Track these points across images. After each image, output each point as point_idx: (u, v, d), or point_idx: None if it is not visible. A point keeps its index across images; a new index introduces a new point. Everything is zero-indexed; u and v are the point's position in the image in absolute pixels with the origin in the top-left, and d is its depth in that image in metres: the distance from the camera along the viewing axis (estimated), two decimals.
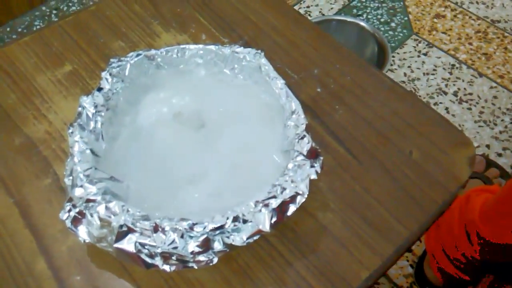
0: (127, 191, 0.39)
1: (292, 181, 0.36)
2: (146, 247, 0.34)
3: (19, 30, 1.41)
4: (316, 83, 0.53)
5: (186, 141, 0.45)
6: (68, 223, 0.36)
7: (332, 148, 0.48)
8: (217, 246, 0.34)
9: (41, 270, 0.40)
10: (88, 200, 0.35)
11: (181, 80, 0.48)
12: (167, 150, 0.44)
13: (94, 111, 0.40)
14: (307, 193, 0.36)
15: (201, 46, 0.46)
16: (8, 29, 1.42)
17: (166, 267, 0.34)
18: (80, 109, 0.40)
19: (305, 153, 0.38)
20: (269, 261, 0.40)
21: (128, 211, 0.35)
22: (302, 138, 0.39)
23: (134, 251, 0.34)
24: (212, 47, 0.46)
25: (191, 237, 0.34)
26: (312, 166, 0.37)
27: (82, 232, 0.36)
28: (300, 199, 0.36)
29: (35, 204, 0.44)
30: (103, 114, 0.41)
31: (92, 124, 0.40)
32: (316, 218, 0.43)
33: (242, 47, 0.46)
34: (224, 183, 0.41)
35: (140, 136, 0.46)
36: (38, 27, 1.41)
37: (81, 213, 0.36)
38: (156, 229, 0.34)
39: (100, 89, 0.42)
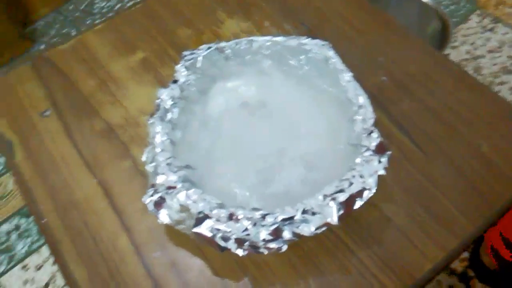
0: (201, 179, 0.42)
1: (360, 176, 0.37)
2: (221, 232, 0.37)
3: (81, 8, 1.47)
4: (381, 71, 0.53)
5: (253, 131, 0.47)
6: (150, 207, 0.39)
7: (397, 138, 0.48)
8: (287, 235, 0.37)
9: (123, 245, 0.44)
10: (169, 187, 0.38)
11: (248, 70, 0.50)
12: (235, 139, 0.46)
13: (171, 103, 0.43)
14: (375, 189, 0.37)
15: (268, 37, 0.47)
16: (71, 7, 1.49)
17: (239, 251, 0.37)
18: (158, 101, 0.43)
19: (373, 148, 0.39)
20: (333, 249, 0.42)
21: (205, 199, 0.37)
22: (370, 133, 0.39)
23: (210, 235, 0.37)
24: (279, 38, 0.47)
25: (262, 225, 0.36)
26: (379, 162, 0.38)
27: (163, 215, 0.39)
28: (367, 194, 0.37)
29: (116, 185, 0.48)
30: (178, 105, 0.44)
31: (169, 115, 0.43)
32: (380, 209, 0.44)
33: (309, 38, 0.46)
34: (292, 174, 0.43)
35: (209, 124, 0.48)
36: (98, 5, 1.47)
37: (162, 198, 0.39)
38: (231, 217, 0.36)
39: (175, 82, 0.44)
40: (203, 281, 0.42)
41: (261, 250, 0.37)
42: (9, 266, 0.88)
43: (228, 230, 0.36)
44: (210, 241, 0.37)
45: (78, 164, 0.49)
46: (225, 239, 0.37)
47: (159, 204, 0.39)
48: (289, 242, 0.36)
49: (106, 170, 0.49)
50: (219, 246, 0.37)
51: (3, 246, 0.91)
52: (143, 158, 0.44)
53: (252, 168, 0.44)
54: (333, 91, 0.44)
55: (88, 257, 0.44)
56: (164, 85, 0.47)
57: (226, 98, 0.50)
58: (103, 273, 0.43)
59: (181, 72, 0.45)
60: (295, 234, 0.37)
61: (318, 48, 0.45)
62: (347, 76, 0.43)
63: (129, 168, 0.49)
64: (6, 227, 0.93)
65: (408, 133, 0.49)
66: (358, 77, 0.48)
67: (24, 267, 0.88)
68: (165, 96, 0.43)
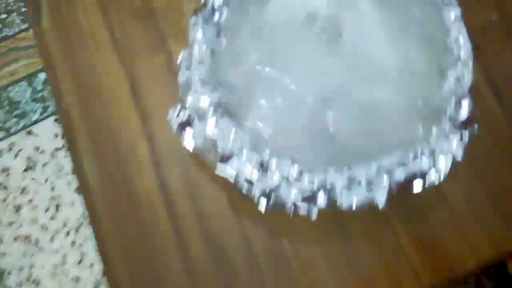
0: (239, 104, 0.35)
1: (431, 152, 0.30)
2: (247, 180, 0.32)
3: None
4: (493, 5, 0.41)
5: (312, 54, 0.38)
6: (174, 126, 0.34)
7: (484, 101, 0.39)
8: (321, 203, 0.31)
9: (142, 152, 0.40)
10: (198, 111, 0.32)
11: None
12: (288, 61, 0.38)
13: (221, 1, 0.34)
14: (445, 174, 0.30)
15: None
16: None
17: (262, 205, 0.32)
18: None
19: (459, 121, 0.30)
20: (368, 218, 0.36)
21: (237, 133, 0.31)
22: (461, 100, 0.30)
23: (233, 180, 0.32)
24: None
25: (296, 184, 0.31)
26: (461, 139, 0.30)
27: (188, 140, 0.34)
28: (433, 179, 0.30)
29: (144, 81, 0.42)
30: (230, 5, 0.35)
31: (217, 15, 0.34)
32: (438, 184, 0.37)
33: None
34: (347, 123, 0.35)
35: (263, 33, 0.40)
36: None
37: (189, 120, 0.33)
38: (261, 164, 0.31)
39: None
40: (217, 213, 0.38)
41: (288, 210, 0.32)
42: (42, 116, 0.88)
43: (255, 178, 0.31)
44: (232, 184, 0.32)
45: (108, 47, 0.43)
46: (250, 185, 0.32)
47: (184, 125, 0.34)
48: (322, 210, 0.31)
49: (136, 61, 0.43)
50: (240, 190, 0.32)
51: (39, 95, 0.90)
52: (178, 61, 0.37)
53: (300, 103, 0.36)
54: (430, 27, 0.34)
55: (103, 157, 0.40)
56: None
57: (290, 2, 0.40)
58: (116, 179, 0.40)
59: None
60: (331, 206, 0.31)
61: None
62: (454, 12, 0.32)
63: (162, 65, 0.42)
64: (43, 76, 0.91)
65: (501, 97, 0.39)
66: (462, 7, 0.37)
67: (56, 120, 0.88)
68: None
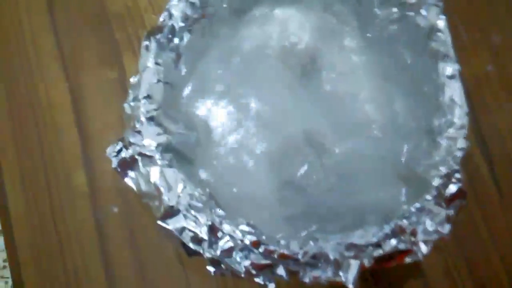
0: (195, 147, 0.30)
1: (411, 234, 0.25)
2: (193, 236, 0.26)
3: None
4: (488, 56, 0.38)
5: (285, 92, 0.33)
6: (114, 163, 0.28)
7: (473, 162, 0.35)
8: (280, 272, 0.26)
9: (78, 184, 0.34)
10: (142, 154, 0.26)
11: (308, 2, 0.34)
12: (259, 99, 0.33)
13: (183, 24, 0.28)
14: (426, 254, 0.25)
15: None
16: None
17: (211, 269, 0.27)
18: (164, 16, 0.28)
19: (447, 196, 0.26)
20: None
21: (185, 187, 0.26)
22: (452, 173, 0.26)
23: (178, 235, 0.26)
24: None
25: (251, 251, 0.26)
26: (447, 221, 0.26)
27: (129, 180, 0.28)
28: (411, 259, 0.25)
29: (90, 98, 0.36)
30: (195, 27, 0.30)
31: (176, 40, 0.29)
32: None
33: None
34: (322, 175, 0.31)
35: (233, 60, 0.34)
36: None
37: (132, 160, 0.28)
38: (212, 229, 0.25)
39: None
40: (161, 267, 0.33)
41: (242, 276, 0.27)
42: None
43: (203, 243, 0.26)
44: (176, 240, 0.27)
45: (50, 55, 0.37)
46: (198, 241, 0.27)
47: (125, 164, 0.28)
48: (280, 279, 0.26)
49: (83, 74, 0.37)
50: (187, 248, 0.27)
51: None
52: (131, 80, 0.31)
53: (265, 150, 0.31)
54: (421, 80, 0.30)
55: (32, 184, 0.34)
56: None
57: (266, 29, 0.35)
58: (44, 212, 0.34)
59: None
60: (291, 277, 0.26)
61: (425, 8, 0.29)
62: (452, 67, 0.28)
63: (113, 82, 0.36)
64: None
65: (491, 160, 0.35)
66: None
67: None
68: (177, 12, 0.28)
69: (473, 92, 0.36)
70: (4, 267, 0.76)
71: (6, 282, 0.75)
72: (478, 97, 0.36)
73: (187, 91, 0.32)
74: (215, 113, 0.33)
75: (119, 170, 0.28)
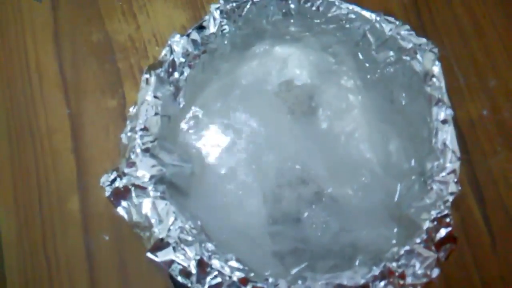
0: (190, 179, 0.30)
1: (400, 277, 0.25)
2: (182, 269, 0.26)
3: None
4: (485, 100, 0.38)
5: (283, 130, 0.34)
6: (107, 192, 0.28)
7: (466, 204, 0.35)
8: None
9: (71, 210, 0.34)
10: (135, 185, 0.27)
11: (310, 40, 0.35)
12: (256, 133, 0.33)
13: (183, 60, 0.29)
14: None
15: (357, 8, 0.32)
16: None
17: None
18: (166, 51, 0.29)
19: (436, 240, 0.26)
20: None
21: (176, 220, 0.26)
22: (442, 217, 0.26)
23: (167, 268, 0.26)
24: (372, 15, 0.32)
25: None
26: (437, 265, 0.26)
27: (121, 209, 0.28)
28: None
29: (90, 126, 0.37)
30: (195, 62, 0.31)
31: (176, 74, 0.30)
32: None
33: (413, 33, 0.31)
34: (317, 212, 0.31)
35: (231, 94, 0.35)
36: None
37: (125, 190, 0.28)
38: (200, 263, 0.25)
39: (201, 29, 0.30)
40: None
41: None
42: None
43: (191, 277, 0.25)
44: (165, 272, 0.27)
45: (53, 81, 0.38)
46: (187, 274, 0.27)
47: (119, 193, 0.28)
48: None
49: (84, 102, 0.37)
50: (175, 282, 0.27)
51: None
52: (130, 111, 0.31)
53: (261, 185, 0.32)
54: (416, 123, 0.30)
55: (25, 207, 0.34)
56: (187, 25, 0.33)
57: (266, 66, 0.36)
58: (35, 237, 0.33)
59: (215, 16, 0.30)
60: None
61: (420, 53, 0.30)
62: (445, 112, 0.28)
63: (113, 111, 0.37)
64: None
65: (484, 203, 0.35)
66: (452, 100, 0.33)
67: None
68: (178, 48, 0.29)
69: (468, 135, 0.37)
70: None
71: None
72: (473, 140, 0.37)
73: (185, 123, 0.33)
74: (211, 145, 0.33)
75: (112, 199, 0.28)
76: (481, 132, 0.37)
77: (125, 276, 0.33)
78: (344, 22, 0.33)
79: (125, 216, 0.28)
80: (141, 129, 0.27)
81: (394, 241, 0.29)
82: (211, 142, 0.34)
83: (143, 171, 0.27)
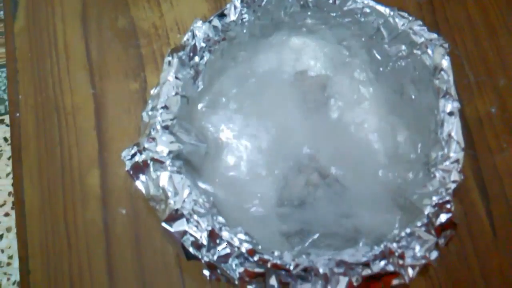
0: (204, 159, 0.31)
1: (399, 257, 0.26)
2: (194, 241, 0.28)
3: None
4: (494, 98, 0.39)
5: (298, 117, 0.35)
6: (128, 166, 0.30)
7: (470, 198, 0.36)
8: (272, 282, 0.27)
9: (92, 184, 0.36)
10: (154, 159, 0.28)
11: (325, 32, 0.37)
12: (269, 119, 0.35)
13: (204, 45, 0.31)
14: (412, 278, 0.27)
15: (371, 2, 0.33)
16: None
17: (206, 273, 0.28)
18: (188, 36, 0.31)
19: (435, 226, 0.27)
20: None
21: (190, 193, 0.28)
22: (443, 203, 0.27)
23: (180, 238, 0.28)
24: (386, 9, 0.33)
25: (245, 259, 0.27)
26: (436, 248, 0.27)
27: (139, 183, 0.30)
28: (398, 281, 0.27)
29: (112, 106, 0.39)
30: (215, 48, 0.32)
31: (197, 58, 0.31)
32: None
33: (425, 27, 0.32)
34: (323, 196, 0.33)
35: (248, 81, 0.37)
36: None
37: (144, 164, 0.30)
38: (211, 234, 0.27)
39: (222, 16, 0.32)
40: (160, 269, 0.34)
41: (235, 283, 0.28)
42: None
43: (202, 246, 0.27)
44: (177, 243, 0.28)
45: (80, 62, 0.40)
46: (198, 246, 0.28)
47: (138, 168, 0.30)
48: None
49: (108, 83, 0.39)
50: (186, 252, 0.28)
51: None
52: (151, 91, 0.33)
53: (271, 169, 0.33)
54: (423, 114, 0.32)
55: (49, 180, 0.36)
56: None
57: (282, 55, 0.37)
58: (56, 209, 0.36)
59: (236, 4, 0.32)
60: (282, 287, 0.27)
61: (431, 48, 0.31)
62: (452, 105, 0.30)
63: (135, 93, 0.39)
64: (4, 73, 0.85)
65: (488, 199, 0.36)
66: (462, 96, 0.35)
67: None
68: (200, 33, 0.31)
69: (475, 132, 0.38)
70: (9, 264, 0.78)
71: (8, 279, 0.77)
72: (479, 137, 0.38)
73: (202, 105, 0.34)
74: (225, 128, 0.35)
75: (131, 173, 0.30)
76: (488, 129, 0.38)
77: (138, 249, 0.34)
78: (359, 16, 0.34)
79: (143, 190, 0.30)
80: (162, 107, 0.29)
81: (397, 226, 0.30)
82: (226, 125, 0.35)
83: (162, 147, 0.28)
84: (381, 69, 0.35)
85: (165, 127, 0.29)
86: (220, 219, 0.28)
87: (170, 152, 0.28)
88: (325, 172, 0.34)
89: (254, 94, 0.36)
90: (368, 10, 0.33)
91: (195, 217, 0.27)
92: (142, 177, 0.30)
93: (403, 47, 0.33)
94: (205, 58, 0.32)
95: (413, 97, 0.33)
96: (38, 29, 0.40)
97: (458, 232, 0.34)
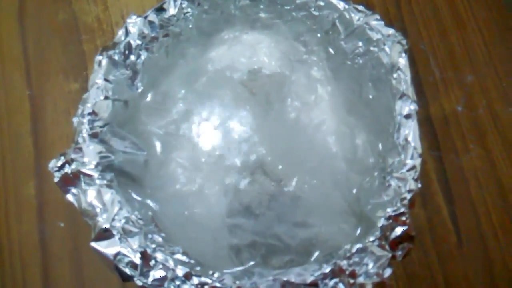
0: (144, 168, 0.29)
1: (350, 276, 0.24)
2: (128, 261, 0.25)
3: None
4: (461, 96, 0.37)
5: (250, 119, 0.33)
6: (56, 178, 0.27)
7: (434, 202, 0.34)
8: None
9: (27, 195, 0.33)
10: (80, 172, 0.26)
11: (280, 27, 0.34)
12: (220, 115, 0.32)
13: (140, 42, 0.28)
14: None
15: None
16: None
17: None
18: (121, 32, 0.28)
19: (389, 240, 0.25)
20: None
21: (121, 210, 0.25)
22: (398, 215, 0.25)
23: (112, 259, 0.25)
24: (340, 3, 0.30)
25: (184, 282, 0.24)
26: (390, 265, 0.25)
27: (70, 196, 0.27)
28: None
29: (50, 109, 0.35)
30: (154, 45, 0.29)
31: (132, 57, 0.28)
32: None
33: (382, 22, 0.30)
34: (274, 205, 0.30)
35: (197, 80, 0.34)
36: None
37: (74, 176, 0.27)
38: (144, 256, 0.24)
39: (160, 10, 0.29)
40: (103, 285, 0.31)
41: None
42: None
43: (135, 269, 0.24)
44: (110, 263, 0.26)
45: (16, 61, 0.36)
46: (135, 267, 0.26)
47: (68, 180, 0.27)
48: None
49: (47, 83, 0.36)
50: (121, 273, 0.26)
51: None
52: (84, 95, 0.30)
53: (224, 178, 0.31)
54: (381, 116, 0.29)
55: None
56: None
57: (235, 53, 0.35)
58: None
59: None
60: None
61: (388, 44, 0.29)
62: (409, 107, 0.27)
63: (75, 93, 0.36)
64: None
65: (453, 202, 0.34)
66: (427, 93, 0.32)
67: None
68: (134, 29, 0.28)
69: (440, 131, 0.36)
70: None
71: None
72: (445, 137, 0.36)
73: (144, 109, 0.31)
74: (172, 132, 0.32)
75: (61, 185, 0.27)
76: (454, 129, 0.36)
77: (78, 264, 0.32)
78: (313, 9, 0.31)
79: (75, 203, 0.27)
80: (89, 113, 0.26)
81: (356, 236, 0.28)
82: (172, 130, 0.32)
83: (89, 158, 0.26)
84: (339, 67, 0.33)
85: (94, 135, 0.26)
86: (156, 237, 0.25)
87: (98, 163, 0.26)
88: (279, 178, 0.32)
89: (204, 94, 0.34)
90: (322, 4, 0.31)
91: (126, 237, 0.24)
92: (74, 190, 0.27)
93: (360, 43, 0.31)
94: (142, 57, 0.29)
95: (370, 97, 0.30)
96: None
97: (421, 239, 0.32)
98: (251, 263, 0.28)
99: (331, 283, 0.24)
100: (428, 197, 0.34)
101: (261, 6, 0.33)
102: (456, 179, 0.35)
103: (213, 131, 0.33)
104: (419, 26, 0.38)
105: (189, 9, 0.30)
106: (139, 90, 0.30)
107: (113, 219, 0.25)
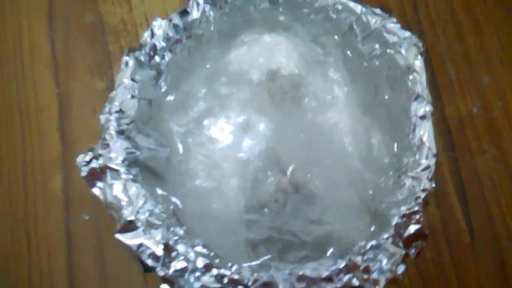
0: (166, 164, 0.30)
1: (364, 271, 0.25)
2: (152, 252, 0.26)
3: None
4: (476, 97, 0.37)
5: (269, 118, 0.34)
6: (84, 172, 0.29)
7: (448, 202, 0.35)
8: None
9: (54, 188, 0.35)
10: (107, 167, 0.27)
11: (298, 29, 0.35)
12: (238, 121, 0.33)
13: (164, 44, 0.29)
14: None
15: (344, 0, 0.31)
16: None
17: (164, 287, 0.27)
18: (147, 34, 0.29)
19: (403, 238, 0.26)
20: None
21: (145, 203, 0.26)
22: (412, 214, 0.26)
23: (135, 250, 0.27)
24: (358, 6, 0.31)
25: (204, 274, 0.26)
26: (404, 261, 0.25)
27: (96, 189, 0.28)
28: None
29: (77, 107, 0.37)
30: (178, 46, 0.31)
31: (157, 58, 0.30)
32: None
33: (398, 25, 0.30)
34: (292, 203, 0.31)
35: (218, 81, 0.35)
36: None
37: (101, 170, 0.28)
38: (166, 248, 0.25)
39: (184, 13, 0.30)
40: (124, 277, 0.33)
41: None
42: None
43: (157, 260, 0.26)
44: (133, 254, 0.27)
45: (45, 61, 0.38)
46: (156, 258, 0.27)
47: (95, 174, 0.28)
48: None
49: (74, 82, 0.38)
50: (143, 264, 0.27)
51: None
52: (111, 94, 0.31)
53: (243, 175, 0.32)
54: (397, 117, 0.30)
55: (10, 182, 0.35)
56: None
57: (254, 54, 0.36)
58: (17, 213, 0.34)
59: (198, 1, 0.30)
60: None
61: (404, 46, 0.29)
62: (424, 108, 0.28)
63: (101, 91, 0.37)
64: None
65: (467, 203, 0.35)
66: (443, 94, 0.33)
67: None
68: (159, 31, 0.29)
69: (456, 132, 0.36)
70: None
71: None
72: (460, 138, 0.36)
73: (167, 107, 0.33)
74: (192, 131, 0.33)
75: (88, 179, 0.29)
76: (469, 130, 0.36)
77: (101, 256, 0.33)
78: (331, 12, 0.32)
79: (101, 196, 0.28)
80: (117, 111, 0.27)
81: (368, 235, 0.29)
82: (193, 128, 0.34)
83: (116, 153, 0.27)
84: (355, 68, 0.34)
85: (120, 132, 0.27)
86: (178, 230, 0.26)
87: (124, 159, 0.27)
88: (296, 176, 0.33)
89: (224, 94, 0.35)
90: (340, 7, 0.32)
91: (149, 229, 0.26)
92: (100, 184, 0.28)
93: (377, 45, 0.31)
94: (167, 58, 0.30)
95: (386, 98, 0.31)
96: (2, 29, 0.38)
97: (435, 239, 0.33)
98: (268, 256, 0.29)
99: (346, 278, 0.25)
100: (443, 197, 0.34)
101: (280, 9, 0.34)
102: (470, 180, 0.35)
103: (232, 129, 0.34)
104: (436, 29, 0.39)
105: (211, 12, 0.31)
106: (163, 90, 0.31)
107: (138, 212, 0.26)
